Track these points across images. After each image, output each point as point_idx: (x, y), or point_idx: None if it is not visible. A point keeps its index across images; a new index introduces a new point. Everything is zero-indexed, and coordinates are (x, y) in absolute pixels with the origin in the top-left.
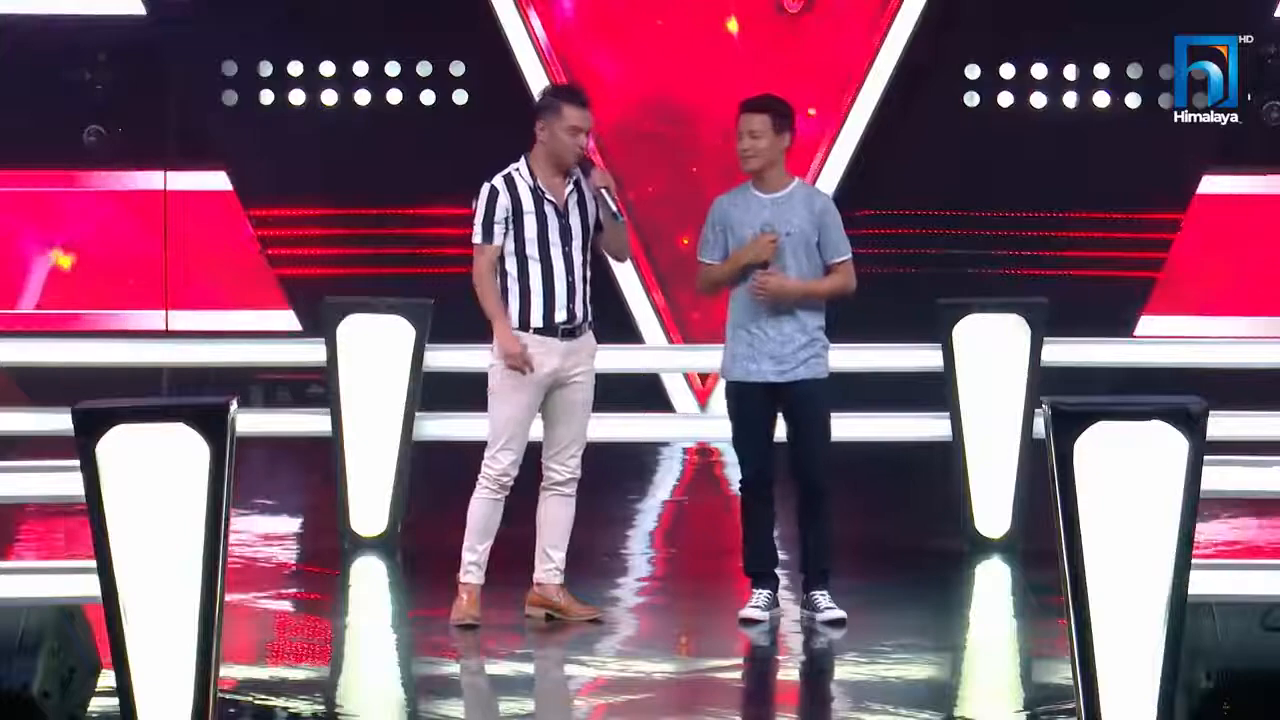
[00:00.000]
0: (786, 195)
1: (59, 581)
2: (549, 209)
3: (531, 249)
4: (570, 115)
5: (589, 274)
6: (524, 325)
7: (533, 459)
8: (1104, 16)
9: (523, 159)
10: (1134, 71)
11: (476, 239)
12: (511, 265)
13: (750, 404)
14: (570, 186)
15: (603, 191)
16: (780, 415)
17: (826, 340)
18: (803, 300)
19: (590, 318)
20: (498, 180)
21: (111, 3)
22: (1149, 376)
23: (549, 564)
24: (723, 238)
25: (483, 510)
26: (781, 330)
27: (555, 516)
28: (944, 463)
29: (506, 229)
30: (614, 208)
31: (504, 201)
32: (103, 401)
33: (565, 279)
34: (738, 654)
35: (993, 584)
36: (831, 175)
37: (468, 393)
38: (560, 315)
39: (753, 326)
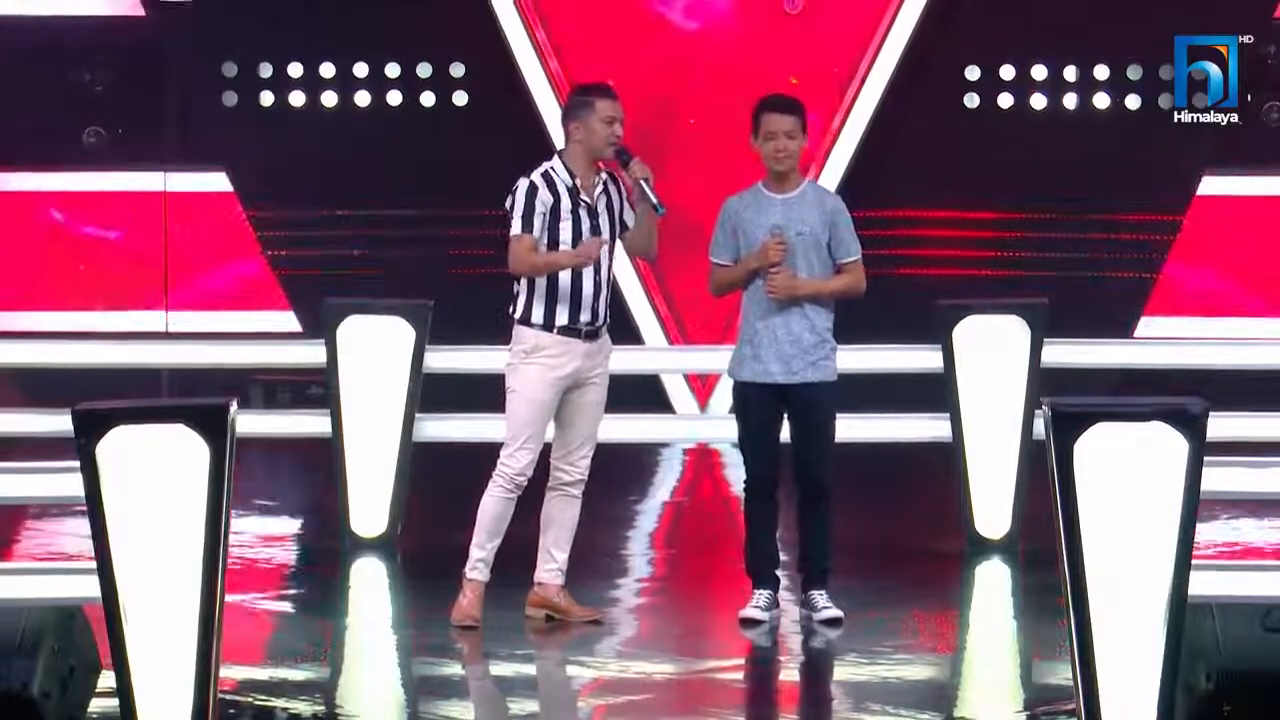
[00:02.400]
0: (798, 195)
1: (59, 581)
2: (583, 210)
3: (565, 249)
4: (603, 107)
5: (612, 275)
6: (548, 324)
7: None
8: (1104, 16)
9: (556, 158)
10: (1134, 72)
11: (516, 230)
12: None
13: (757, 404)
14: (600, 187)
15: (642, 183)
16: (785, 416)
17: (835, 342)
18: (813, 299)
19: (609, 319)
20: (536, 177)
21: (111, 3)
22: (1149, 377)
23: (551, 564)
24: (733, 239)
25: (496, 509)
26: (790, 330)
27: (561, 517)
28: (944, 463)
29: (544, 224)
30: (654, 199)
31: (544, 197)
32: (103, 402)
33: (593, 279)
34: (738, 654)
35: (993, 584)
36: (832, 175)
37: (467, 394)
38: (585, 316)
39: (762, 326)
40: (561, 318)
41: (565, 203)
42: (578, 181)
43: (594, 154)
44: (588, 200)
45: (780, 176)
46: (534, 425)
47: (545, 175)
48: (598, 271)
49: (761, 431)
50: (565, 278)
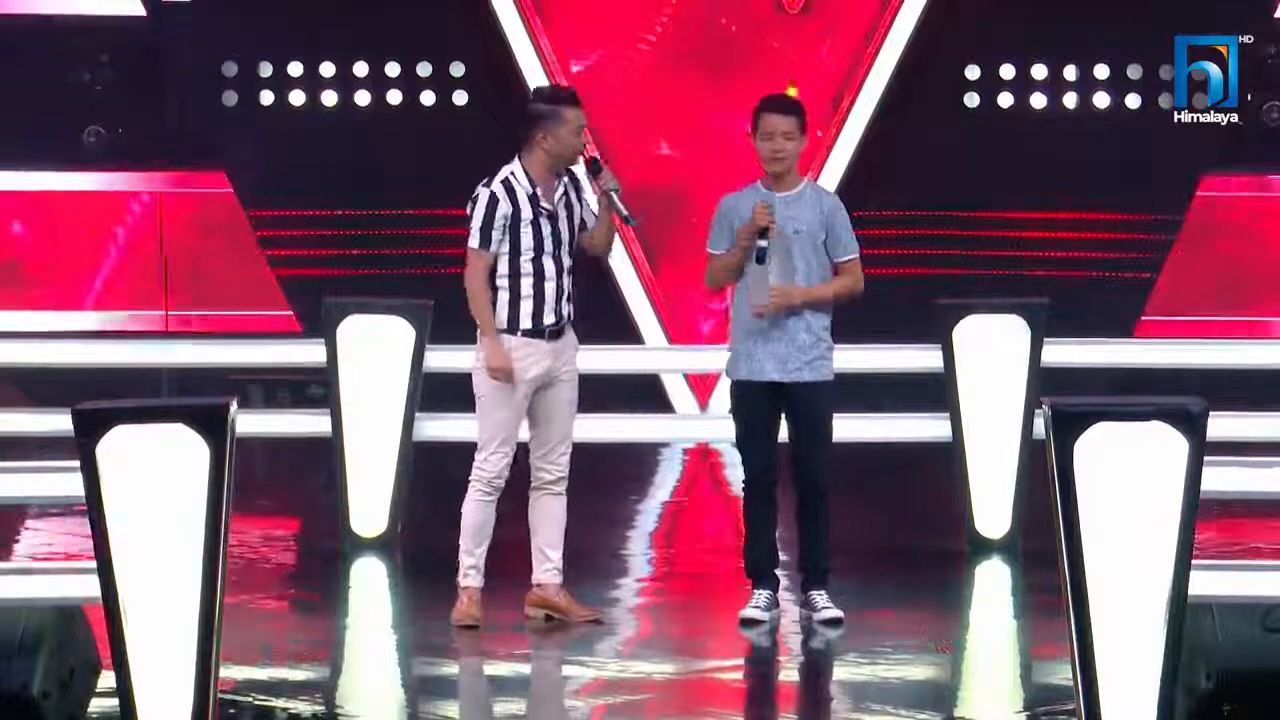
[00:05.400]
0: (796, 194)
1: (59, 581)
2: (544, 217)
3: (526, 256)
4: (572, 117)
5: (574, 274)
6: (513, 328)
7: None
8: (1104, 16)
9: (516, 163)
10: (1134, 71)
11: (474, 244)
12: (504, 269)
13: (753, 403)
14: (560, 189)
15: (612, 194)
16: (783, 415)
17: (831, 342)
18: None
19: (573, 316)
20: (496, 187)
21: (111, 3)
22: (1149, 377)
23: (547, 564)
24: (730, 232)
25: (478, 514)
26: (785, 329)
27: (549, 516)
28: (944, 463)
29: (503, 235)
30: (624, 211)
31: (504, 209)
32: (103, 402)
33: (555, 283)
34: (738, 654)
35: (993, 584)
36: (832, 175)
37: (468, 393)
38: (549, 318)
39: (759, 325)
40: (526, 321)
41: (525, 211)
42: (538, 190)
43: (561, 163)
44: (548, 206)
45: (778, 175)
46: (506, 429)
47: (506, 184)
48: (560, 276)
49: (758, 431)
50: (529, 284)
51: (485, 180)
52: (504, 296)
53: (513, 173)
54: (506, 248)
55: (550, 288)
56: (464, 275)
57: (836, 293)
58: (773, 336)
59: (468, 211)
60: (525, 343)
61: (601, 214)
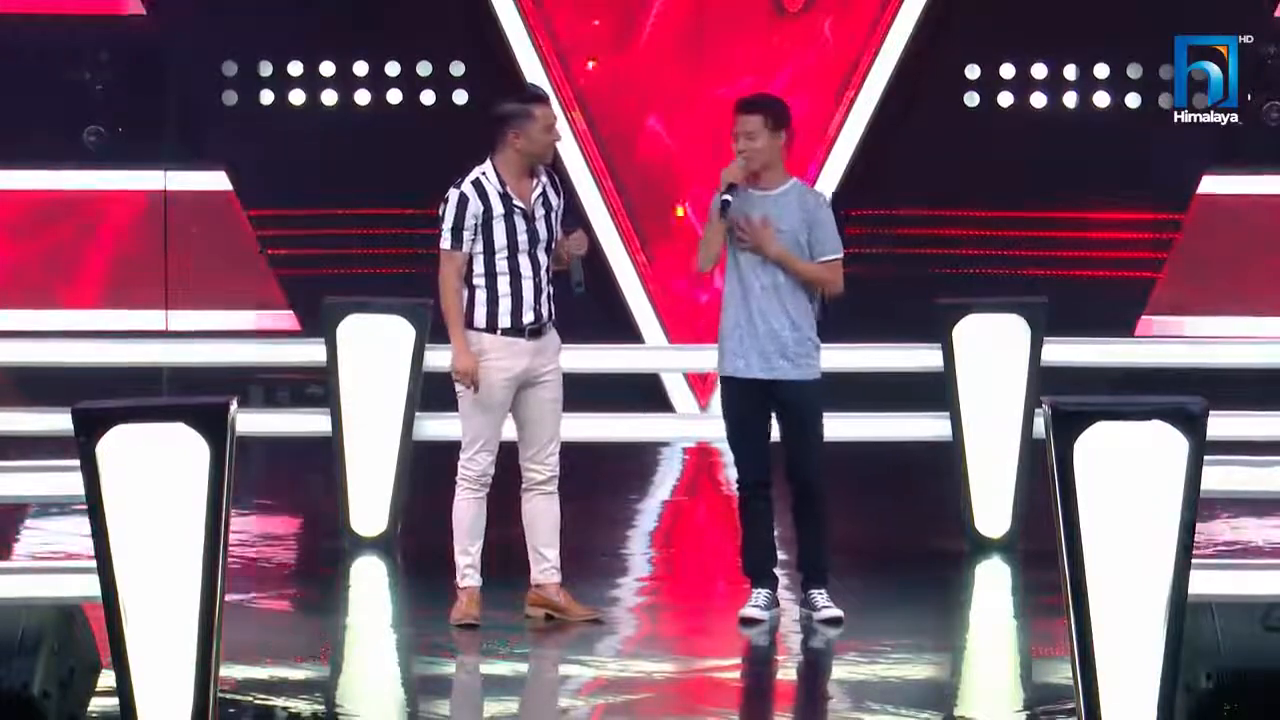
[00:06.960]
0: (781, 194)
1: (59, 581)
2: (518, 215)
3: (501, 255)
4: (543, 115)
5: (552, 274)
6: (491, 327)
7: (506, 462)
8: (1104, 16)
9: (489, 164)
10: (1134, 71)
11: (445, 244)
12: (479, 269)
13: (742, 401)
14: (538, 190)
15: (576, 256)
16: (774, 415)
17: (818, 341)
18: (792, 284)
19: (554, 316)
20: (466, 186)
21: (111, 3)
22: (1149, 376)
23: (544, 564)
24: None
25: (469, 512)
26: (770, 325)
27: (543, 516)
28: (944, 463)
29: (475, 235)
30: (578, 277)
31: (474, 208)
32: (102, 401)
33: (533, 281)
34: (737, 654)
35: (993, 584)
36: (831, 175)
37: None
38: (528, 317)
39: (744, 320)
40: (504, 320)
41: (497, 208)
42: (509, 188)
43: (533, 161)
44: (522, 205)
45: (755, 174)
46: (489, 428)
47: (476, 184)
48: (536, 275)
49: (748, 429)
50: (505, 282)
51: (456, 181)
52: (481, 296)
53: (484, 173)
54: (480, 247)
55: (528, 286)
56: (440, 279)
57: (810, 274)
58: (759, 333)
59: (439, 213)
60: (505, 342)
61: (562, 255)
